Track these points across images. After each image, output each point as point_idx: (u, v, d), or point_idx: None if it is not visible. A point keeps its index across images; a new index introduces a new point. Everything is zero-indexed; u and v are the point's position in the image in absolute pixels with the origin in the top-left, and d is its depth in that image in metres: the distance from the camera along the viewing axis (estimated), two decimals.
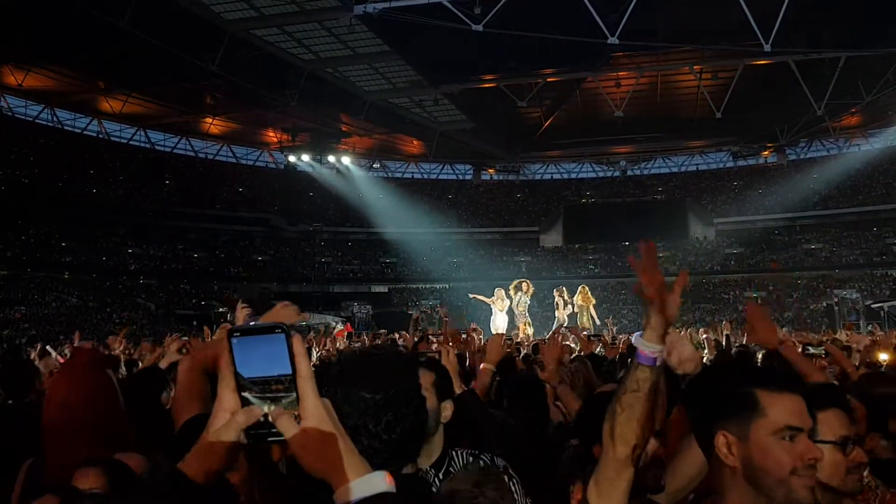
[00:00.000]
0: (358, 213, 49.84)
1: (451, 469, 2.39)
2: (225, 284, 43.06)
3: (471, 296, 22.85)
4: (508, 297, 21.05)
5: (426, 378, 2.40)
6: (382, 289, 47.80)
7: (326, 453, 1.04)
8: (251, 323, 1.24)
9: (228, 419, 1.07)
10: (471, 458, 2.47)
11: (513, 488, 2.51)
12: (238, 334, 1.05)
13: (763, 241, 48.57)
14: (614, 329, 17.32)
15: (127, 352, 8.61)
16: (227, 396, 1.07)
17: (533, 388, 3.96)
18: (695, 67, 37.86)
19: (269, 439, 1.05)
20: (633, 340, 1.73)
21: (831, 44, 31.73)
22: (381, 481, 1.03)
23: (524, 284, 21.55)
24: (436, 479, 2.34)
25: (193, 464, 1.10)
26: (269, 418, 1.05)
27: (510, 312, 21.12)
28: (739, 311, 40.42)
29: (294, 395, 1.04)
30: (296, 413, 1.05)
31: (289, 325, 1.07)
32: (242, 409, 1.06)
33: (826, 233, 47.29)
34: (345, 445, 1.06)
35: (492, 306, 20.94)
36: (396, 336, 13.79)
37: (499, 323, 20.35)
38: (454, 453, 2.46)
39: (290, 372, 1.04)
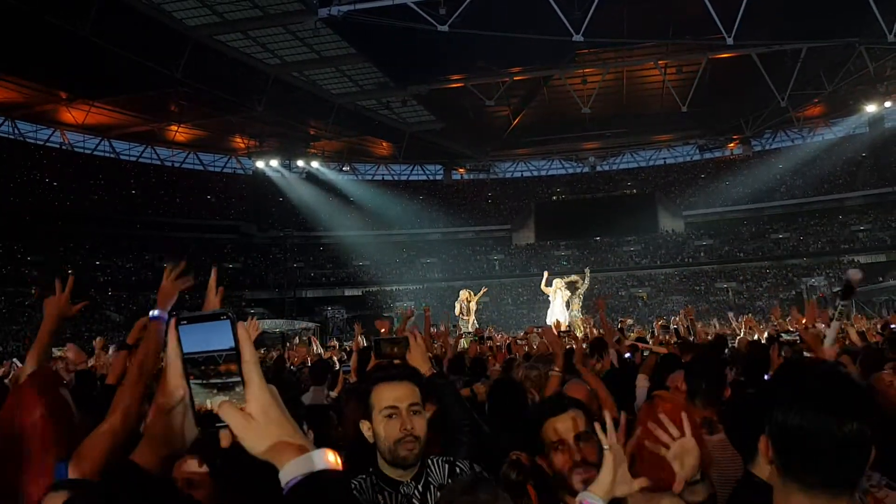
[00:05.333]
0: (329, 217, 49.52)
1: (429, 480, 2.36)
2: (195, 293, 42.38)
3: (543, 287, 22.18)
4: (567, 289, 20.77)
5: (415, 393, 2.36)
6: (356, 292, 47.57)
7: (270, 436, 1.04)
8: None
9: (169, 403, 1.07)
10: (447, 466, 2.44)
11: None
12: (185, 322, 1.07)
13: (731, 231, 49.18)
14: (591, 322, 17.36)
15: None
16: (174, 382, 1.08)
17: (511, 391, 3.92)
18: (659, 62, 38.21)
19: (217, 425, 1.06)
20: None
21: (792, 35, 32.19)
22: (321, 459, 1.02)
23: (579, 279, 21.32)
24: (416, 491, 2.31)
25: (145, 452, 1.12)
26: (212, 405, 1.06)
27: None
28: (710, 301, 40.92)
29: (241, 384, 1.06)
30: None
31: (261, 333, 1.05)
32: (163, 392, 1.08)
33: (793, 222, 48.00)
34: (289, 428, 1.06)
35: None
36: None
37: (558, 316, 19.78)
38: (430, 462, 2.42)
39: (231, 346, 1.05)
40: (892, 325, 9.65)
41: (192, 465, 2.26)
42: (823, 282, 38.46)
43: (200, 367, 1.06)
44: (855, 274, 2.35)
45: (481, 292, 22.13)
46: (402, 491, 2.30)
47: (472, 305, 21.01)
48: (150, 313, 2.62)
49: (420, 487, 2.32)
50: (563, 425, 2.22)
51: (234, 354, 1.05)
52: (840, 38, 31.44)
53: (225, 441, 1.09)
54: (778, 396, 1.43)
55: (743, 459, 2.31)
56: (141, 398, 2.16)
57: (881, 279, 35.11)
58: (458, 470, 2.44)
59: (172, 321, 1.08)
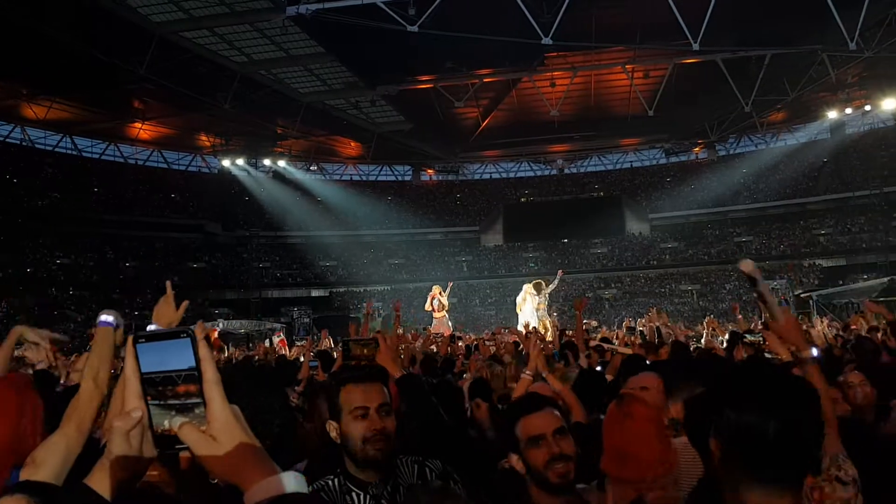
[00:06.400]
0: (296, 217, 49.15)
1: (399, 480, 2.34)
2: (159, 294, 41.62)
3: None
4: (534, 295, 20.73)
5: (384, 393, 2.36)
6: (323, 293, 47.30)
7: (232, 458, 1.01)
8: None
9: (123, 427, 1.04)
10: (416, 466, 2.43)
11: (460, 492, 2.46)
12: (143, 339, 1.03)
13: (696, 234, 49.83)
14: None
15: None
16: (132, 403, 1.04)
17: (449, 392, 3.91)
18: (627, 67, 38.60)
19: (177, 447, 1.03)
20: None
21: (757, 42, 32.74)
22: (289, 482, 1.01)
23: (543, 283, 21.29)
24: (385, 492, 2.28)
25: (100, 477, 1.07)
26: (172, 427, 1.03)
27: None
28: (675, 303, 41.42)
29: (202, 405, 1.03)
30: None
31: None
32: (121, 415, 1.04)
33: (756, 225, 48.78)
34: (253, 449, 1.03)
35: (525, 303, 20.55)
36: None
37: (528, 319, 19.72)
38: (399, 462, 2.40)
39: (191, 366, 1.02)
40: (854, 327, 9.83)
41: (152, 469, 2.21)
42: (785, 285, 39.10)
43: (158, 387, 1.03)
44: (745, 266, 2.38)
45: (449, 286, 22.08)
46: (371, 492, 2.27)
47: (445, 301, 21.00)
48: (99, 318, 2.51)
49: (389, 488, 2.29)
50: (542, 420, 2.22)
51: (195, 374, 1.03)
52: (803, 46, 32.04)
53: (184, 463, 1.05)
54: (729, 396, 1.47)
55: (703, 461, 2.31)
56: (97, 408, 2.10)
57: (841, 282, 35.80)
58: (427, 470, 2.43)
59: (129, 339, 1.05)
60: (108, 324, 2.47)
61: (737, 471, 1.44)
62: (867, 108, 42.26)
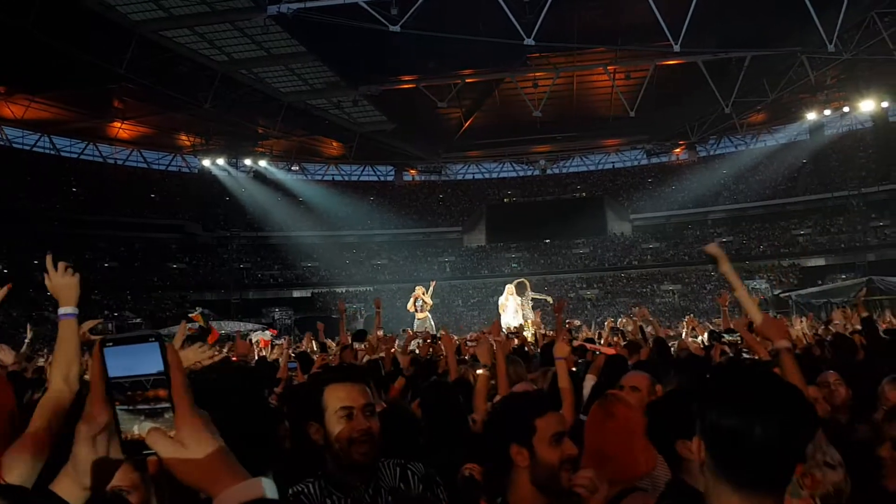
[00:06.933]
0: (277, 217, 48.89)
1: (380, 483, 2.30)
2: (138, 294, 41.60)
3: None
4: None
5: (368, 394, 2.32)
6: (305, 293, 47.09)
7: (201, 464, 1.00)
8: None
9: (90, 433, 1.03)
10: (398, 469, 2.39)
11: (441, 496, 2.43)
12: (111, 343, 1.02)
13: (677, 235, 50.16)
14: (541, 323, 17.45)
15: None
16: (98, 408, 1.04)
17: (445, 393, 3.89)
18: (609, 68, 38.75)
19: (145, 452, 1.01)
20: None
21: (737, 44, 32.98)
22: (259, 488, 0.99)
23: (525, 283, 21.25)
24: (366, 495, 2.24)
25: (65, 483, 1.06)
26: (141, 433, 1.02)
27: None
28: (657, 303, 41.65)
29: (171, 410, 1.01)
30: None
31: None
32: (86, 419, 1.03)
33: (736, 226, 49.20)
34: (222, 455, 1.02)
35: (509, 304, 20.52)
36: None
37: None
38: (381, 465, 2.36)
39: (160, 370, 1.01)
40: (836, 322, 9.91)
41: (123, 473, 2.17)
42: (765, 284, 39.51)
43: (127, 392, 1.02)
44: (710, 248, 2.38)
45: (431, 285, 21.98)
46: (353, 495, 2.23)
47: (428, 300, 20.92)
48: (60, 311, 2.37)
49: (370, 491, 2.25)
50: (557, 419, 2.18)
51: (164, 379, 1.01)
52: (782, 48, 32.34)
53: (152, 468, 1.04)
54: (711, 398, 1.45)
55: (669, 464, 2.29)
56: (68, 407, 2.05)
57: (820, 282, 36.15)
58: (410, 473, 2.39)
59: (97, 343, 1.03)
60: (70, 315, 2.37)
61: (717, 474, 1.42)
62: (846, 109, 42.76)
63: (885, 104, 42.23)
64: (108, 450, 1.05)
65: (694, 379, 4.19)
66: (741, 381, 1.48)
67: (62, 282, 2.44)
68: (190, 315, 20.02)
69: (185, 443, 0.99)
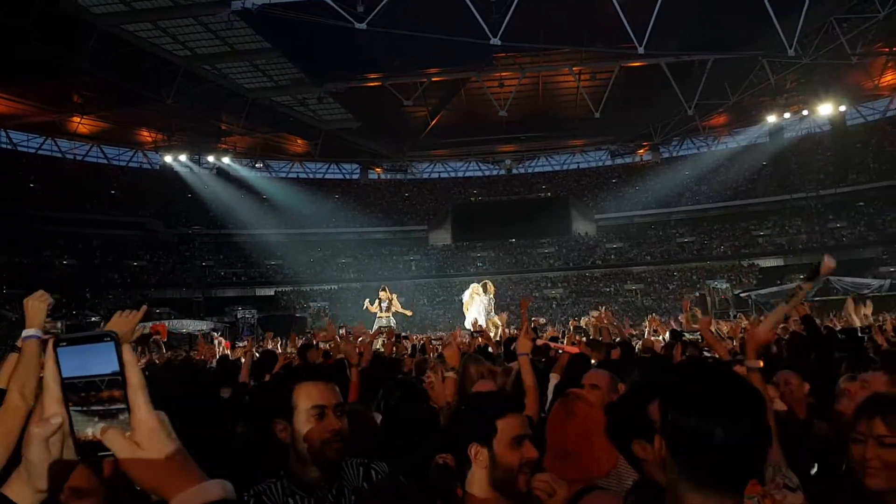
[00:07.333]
0: (240, 215, 48.31)
1: (343, 483, 2.29)
2: (98, 292, 40.82)
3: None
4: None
5: (338, 394, 2.32)
6: (268, 292, 46.64)
7: (157, 466, 0.98)
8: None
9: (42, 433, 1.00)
10: (361, 469, 2.38)
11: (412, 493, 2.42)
12: (64, 343, 0.99)
13: (640, 235, 50.70)
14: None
15: None
16: (52, 409, 1.00)
17: (413, 393, 3.87)
18: (574, 69, 39.06)
19: (100, 453, 0.99)
20: None
21: (700, 47, 33.48)
22: (216, 490, 0.97)
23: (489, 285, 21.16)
24: (329, 495, 2.23)
25: (17, 487, 1.02)
26: (96, 434, 0.99)
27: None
28: (620, 302, 42.08)
29: (126, 411, 0.99)
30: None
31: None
32: (38, 421, 1.00)
33: (697, 226, 49.88)
34: (179, 457, 1.00)
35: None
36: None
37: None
38: (344, 464, 2.34)
39: (115, 370, 0.99)
40: (794, 318, 10.04)
41: (80, 476, 2.11)
42: (725, 284, 40.08)
43: (80, 392, 0.99)
44: (830, 261, 2.41)
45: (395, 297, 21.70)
46: (316, 495, 2.21)
47: (395, 302, 20.81)
48: (24, 333, 2.47)
49: (334, 491, 2.24)
50: (519, 422, 2.18)
51: (119, 379, 0.99)
52: (744, 51, 32.90)
53: (108, 470, 1.00)
54: (673, 397, 1.46)
55: (630, 464, 2.29)
56: (24, 419, 2.02)
57: (779, 282, 36.84)
58: (373, 472, 2.38)
59: (50, 342, 1.00)
60: (33, 337, 2.45)
61: (679, 473, 1.43)
62: (805, 113, 43.70)
63: (842, 108, 43.26)
64: (62, 452, 1.01)
65: (654, 378, 4.21)
66: (704, 382, 1.48)
67: (33, 305, 2.55)
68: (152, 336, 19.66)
69: (141, 444, 0.97)
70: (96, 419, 0.99)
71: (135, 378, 0.99)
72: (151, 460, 0.97)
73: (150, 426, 0.98)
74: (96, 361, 0.99)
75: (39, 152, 47.31)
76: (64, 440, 1.02)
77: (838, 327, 10.11)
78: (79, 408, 0.99)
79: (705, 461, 1.38)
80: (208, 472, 1.01)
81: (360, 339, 8.31)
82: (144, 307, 2.97)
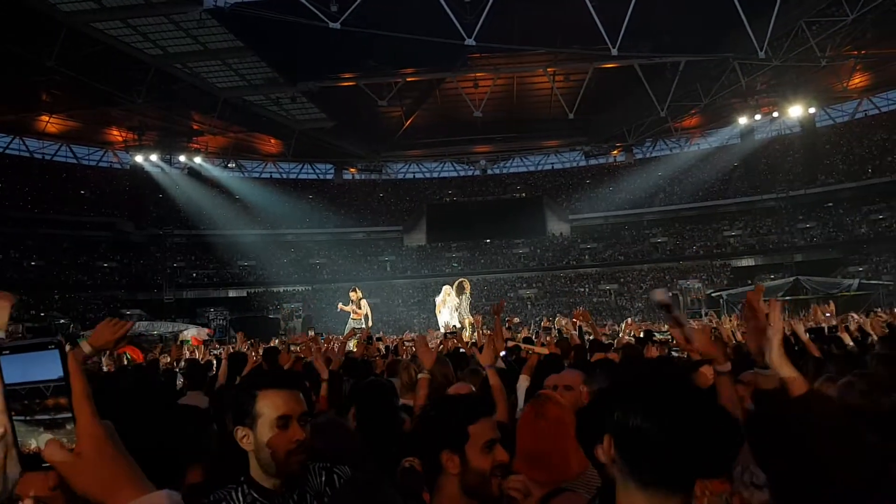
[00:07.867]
0: (212, 215, 47.77)
1: (306, 488, 2.23)
2: (67, 294, 40.17)
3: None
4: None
5: (303, 403, 2.28)
6: (241, 293, 46.20)
7: (102, 476, 0.96)
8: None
9: None
10: (323, 473, 2.32)
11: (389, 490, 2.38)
12: (7, 351, 0.97)
13: (614, 235, 51.04)
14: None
15: None
16: None
17: (381, 393, 3.82)
18: (548, 70, 39.20)
19: (43, 465, 0.97)
20: None
21: (672, 49, 33.78)
22: (159, 501, 0.96)
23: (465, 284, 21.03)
24: (291, 501, 2.18)
25: None
26: (39, 445, 0.97)
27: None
28: (594, 302, 42.32)
29: (72, 420, 0.97)
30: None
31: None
32: None
33: (670, 227, 50.33)
34: (125, 466, 0.99)
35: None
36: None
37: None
38: (308, 469, 2.28)
39: (60, 376, 0.97)
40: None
41: (39, 482, 2.03)
42: (697, 284, 40.59)
43: (24, 400, 0.97)
44: (658, 294, 2.40)
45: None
46: (277, 501, 2.16)
47: (364, 304, 20.67)
48: None
49: (296, 497, 2.19)
50: (491, 426, 2.13)
51: (64, 387, 0.97)
52: (716, 53, 33.25)
53: (52, 482, 0.97)
54: (619, 397, 1.48)
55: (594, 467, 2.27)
56: None
57: (750, 282, 37.29)
58: (336, 476, 2.32)
59: None
60: None
61: (624, 471, 1.44)
62: (775, 114, 44.25)
63: (812, 110, 43.87)
64: (5, 464, 0.97)
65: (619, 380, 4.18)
66: (649, 382, 1.50)
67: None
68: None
69: (84, 454, 0.95)
70: (41, 429, 0.97)
71: (79, 386, 0.97)
72: (94, 471, 0.95)
73: (95, 436, 0.96)
74: (40, 368, 0.96)
75: (7, 151, 46.46)
76: (7, 451, 0.97)
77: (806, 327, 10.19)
78: (22, 417, 0.96)
79: (649, 460, 1.39)
80: (163, 481, 0.98)
81: (331, 345, 8.25)
82: (132, 322, 2.90)
